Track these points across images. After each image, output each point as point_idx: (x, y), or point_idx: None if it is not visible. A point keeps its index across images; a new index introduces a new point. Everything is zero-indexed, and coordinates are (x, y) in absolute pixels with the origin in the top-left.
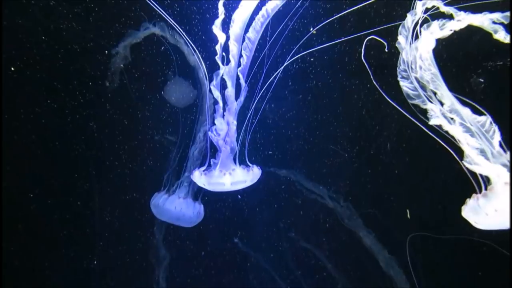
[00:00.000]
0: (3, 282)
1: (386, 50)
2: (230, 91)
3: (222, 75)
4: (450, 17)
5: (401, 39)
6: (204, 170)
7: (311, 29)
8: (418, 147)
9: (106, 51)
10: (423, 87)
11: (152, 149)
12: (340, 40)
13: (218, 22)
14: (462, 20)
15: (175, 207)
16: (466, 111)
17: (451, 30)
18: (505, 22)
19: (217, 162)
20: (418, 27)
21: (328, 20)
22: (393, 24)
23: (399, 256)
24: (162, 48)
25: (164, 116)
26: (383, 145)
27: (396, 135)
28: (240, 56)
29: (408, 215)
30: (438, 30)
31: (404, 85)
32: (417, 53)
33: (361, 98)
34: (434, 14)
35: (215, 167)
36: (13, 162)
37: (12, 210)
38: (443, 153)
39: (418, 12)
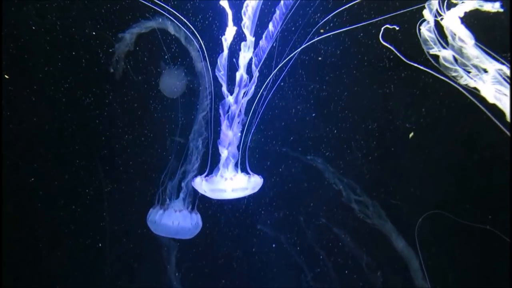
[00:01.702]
0: (3, 282)
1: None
2: (242, 73)
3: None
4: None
5: (432, 52)
6: (205, 176)
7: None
8: (435, 139)
9: (92, 34)
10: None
11: (155, 139)
12: (355, 26)
13: None
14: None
15: (173, 221)
16: None
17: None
18: None
19: (218, 168)
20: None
21: (338, 10)
22: (407, 10)
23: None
24: (168, 40)
25: (162, 108)
26: (403, 137)
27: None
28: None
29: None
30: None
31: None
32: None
33: (378, 88)
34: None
35: (216, 173)
36: (12, 157)
37: (12, 204)
38: (463, 141)
39: (429, 19)
